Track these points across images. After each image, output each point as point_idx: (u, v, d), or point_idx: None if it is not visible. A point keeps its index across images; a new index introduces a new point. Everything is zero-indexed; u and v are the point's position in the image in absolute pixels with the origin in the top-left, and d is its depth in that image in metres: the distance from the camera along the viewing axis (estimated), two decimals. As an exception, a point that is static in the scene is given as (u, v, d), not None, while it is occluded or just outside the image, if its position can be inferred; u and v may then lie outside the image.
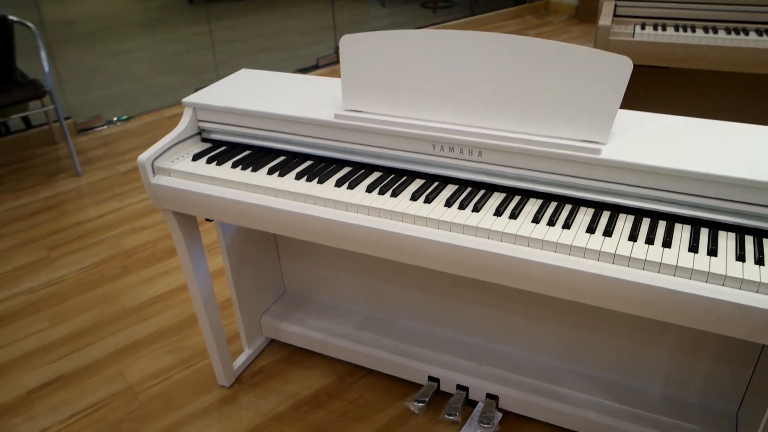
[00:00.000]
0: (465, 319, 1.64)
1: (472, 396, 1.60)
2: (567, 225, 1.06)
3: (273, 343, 1.91)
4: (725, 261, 0.96)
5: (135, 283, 2.23)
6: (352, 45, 1.25)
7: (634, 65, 2.50)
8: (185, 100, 1.43)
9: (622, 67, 1.05)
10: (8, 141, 3.38)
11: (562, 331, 1.51)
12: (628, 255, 0.98)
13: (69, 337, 1.97)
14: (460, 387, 1.61)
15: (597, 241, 1.02)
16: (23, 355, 1.90)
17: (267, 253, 1.82)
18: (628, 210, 1.10)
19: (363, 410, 1.65)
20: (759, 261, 0.95)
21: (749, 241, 1.00)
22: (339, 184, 1.23)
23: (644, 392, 1.47)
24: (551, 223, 1.07)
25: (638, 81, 2.64)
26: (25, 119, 3.44)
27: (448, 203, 1.14)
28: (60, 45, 3.49)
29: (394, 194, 1.18)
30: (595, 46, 2.31)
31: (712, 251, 0.97)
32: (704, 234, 1.03)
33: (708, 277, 0.94)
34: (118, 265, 2.34)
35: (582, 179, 1.11)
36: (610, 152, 1.08)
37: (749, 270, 0.93)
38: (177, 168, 1.34)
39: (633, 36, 2.28)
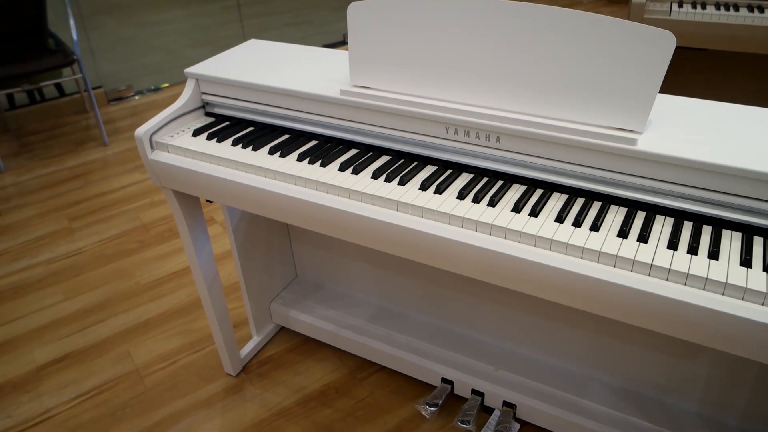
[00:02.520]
0: (485, 317, 1.52)
1: (488, 402, 1.49)
2: (596, 227, 0.92)
3: (283, 331, 1.83)
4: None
5: (151, 258, 2.20)
6: (360, 13, 1.13)
7: None
8: (187, 70, 1.35)
9: (664, 44, 0.90)
10: (42, 108, 3.40)
11: (591, 337, 1.37)
12: (668, 267, 0.84)
13: (81, 312, 1.95)
14: (475, 392, 1.50)
15: (630, 247, 0.88)
16: (37, 329, 1.90)
17: (278, 237, 1.73)
18: (667, 211, 0.95)
19: (372, 410, 1.56)
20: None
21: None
22: (343, 167, 1.12)
23: (679, 412, 1.32)
24: (577, 223, 0.93)
25: (673, 64, 2.42)
26: (59, 87, 3.45)
27: (461, 195, 1.02)
28: (95, 15, 3.47)
29: (402, 182, 1.07)
30: None
31: (745, 262, 0.83)
32: (758, 244, 0.88)
33: (765, 299, 0.79)
34: (136, 239, 2.32)
35: (614, 173, 0.97)
36: (647, 143, 0.93)
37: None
38: (175, 144, 1.26)
39: (669, 14, 2.08)
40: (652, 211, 0.96)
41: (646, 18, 2.08)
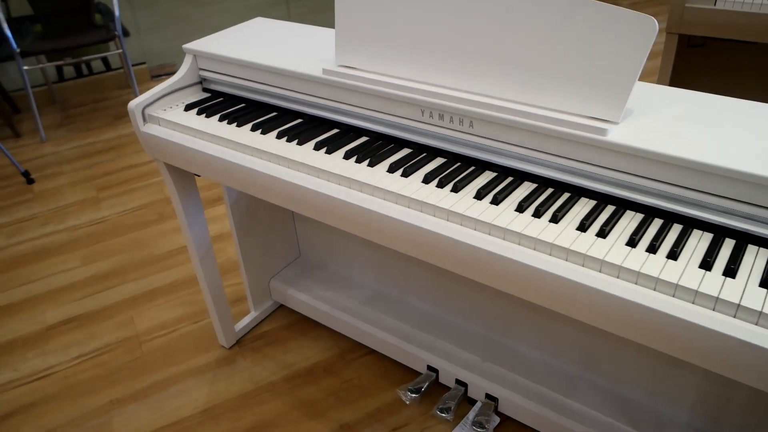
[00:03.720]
0: (477, 306, 1.50)
1: (471, 394, 1.47)
2: (555, 218, 0.89)
3: (282, 308, 1.86)
4: (744, 285, 0.75)
5: (167, 230, 2.26)
6: (347, -9, 1.12)
7: (714, 38, 2.11)
8: (185, 46, 1.37)
9: (645, 30, 0.85)
10: (89, 81, 3.54)
11: (583, 335, 1.33)
12: (619, 264, 0.80)
13: (95, 278, 2.03)
14: (459, 382, 1.48)
15: (586, 241, 0.84)
16: (52, 291, 1.99)
17: (281, 216, 1.75)
18: (638, 207, 0.91)
19: (356, 391, 1.57)
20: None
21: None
22: (318, 147, 1.12)
23: (668, 420, 1.27)
24: (537, 214, 0.90)
25: (721, 58, 2.24)
26: (106, 62, 3.58)
27: (427, 179, 1.00)
28: None
29: (371, 164, 1.05)
30: (669, 16, 1.98)
31: (729, 270, 0.77)
32: (727, 247, 0.82)
33: (716, 303, 0.75)
34: (156, 211, 2.39)
35: (585, 164, 0.93)
36: (619, 134, 0.88)
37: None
38: (166, 117, 1.29)
39: (715, 3, 1.92)
40: (622, 206, 0.92)
41: (687, 7, 1.92)
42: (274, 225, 1.74)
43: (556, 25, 0.91)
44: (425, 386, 1.51)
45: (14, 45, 2.80)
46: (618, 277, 0.80)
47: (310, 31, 1.40)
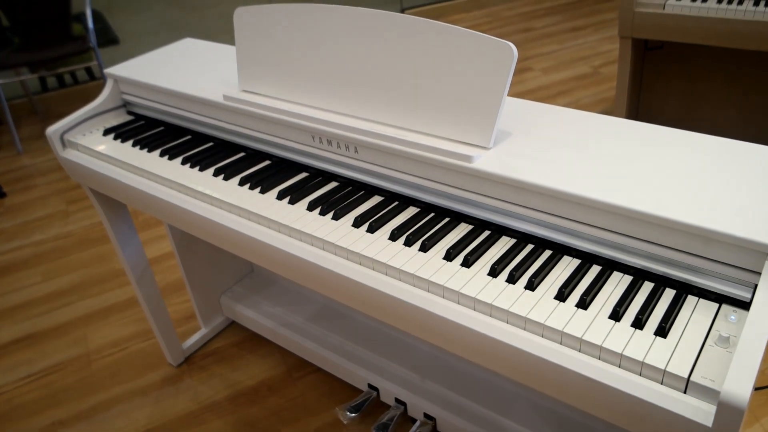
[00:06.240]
0: (409, 326, 1.53)
1: (410, 413, 1.50)
2: (425, 247, 0.91)
3: (234, 325, 1.91)
4: (594, 315, 0.77)
5: (130, 245, 2.33)
6: (245, 19, 1.16)
7: (666, 42, 2.10)
8: (107, 70, 1.42)
9: (503, 55, 0.87)
10: (71, 92, 3.65)
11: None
12: (474, 296, 0.82)
13: (54, 295, 2.12)
14: (398, 401, 1.51)
15: (448, 271, 0.87)
16: (9, 308, 2.08)
17: (224, 231, 1.80)
18: (514, 233, 0.93)
19: (298, 411, 1.61)
20: (636, 323, 0.75)
21: (644, 290, 0.81)
22: (217, 173, 1.16)
23: (596, 441, 1.28)
24: (408, 243, 0.93)
25: (683, 59, 2.22)
26: (90, 72, 3.68)
27: (311, 206, 1.03)
28: (143, 0, 3.66)
29: (263, 191, 1.09)
30: (619, 21, 1.98)
31: (581, 302, 0.79)
32: (591, 275, 0.84)
33: (543, 330, 0.77)
34: (122, 225, 2.46)
35: (460, 190, 0.95)
36: (485, 161, 0.91)
37: (620, 333, 0.74)
38: (83, 143, 1.35)
39: (664, 8, 1.92)
40: (499, 232, 0.94)
41: (637, 11, 1.94)
42: (219, 241, 1.79)
43: (423, 52, 0.94)
44: (365, 405, 1.54)
45: (-14, 58, 2.91)
46: (474, 309, 0.82)
47: (232, 53, 1.44)
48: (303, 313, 1.73)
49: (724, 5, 1.81)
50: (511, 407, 1.39)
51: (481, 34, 0.88)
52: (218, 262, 1.81)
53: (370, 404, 1.58)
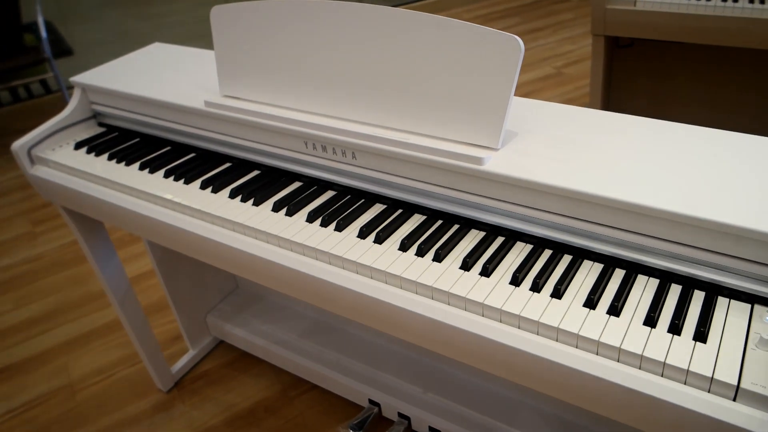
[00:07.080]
0: (411, 336, 1.48)
1: (415, 427, 1.46)
2: (438, 257, 0.86)
3: (223, 344, 1.84)
4: (628, 322, 0.73)
5: (106, 265, 2.24)
6: (223, 18, 1.09)
7: (636, 39, 2.11)
8: (73, 79, 1.35)
9: (510, 50, 0.82)
10: (28, 106, 3.52)
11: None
12: (499, 307, 0.78)
13: (28, 322, 2.02)
14: (401, 415, 1.46)
15: (467, 281, 0.82)
16: (-18, 339, 1.98)
17: (208, 246, 1.73)
18: (529, 238, 0.89)
19: (299, 431, 1.55)
20: (672, 328, 0.72)
21: (673, 293, 0.77)
22: (204, 185, 1.10)
23: (612, 446, 1.25)
24: (420, 253, 0.88)
25: (652, 57, 2.23)
26: (45, 85, 3.56)
27: (311, 218, 0.98)
28: (97, 8, 3.54)
29: (257, 203, 1.03)
30: (591, 18, 1.98)
31: (612, 309, 0.75)
32: (616, 280, 0.80)
33: (578, 341, 0.73)
34: (96, 244, 2.37)
35: (470, 195, 0.91)
36: (496, 163, 0.86)
37: (640, 337, 0.71)
38: (54, 159, 1.27)
39: (635, 5, 1.93)
40: (513, 237, 0.89)
41: (609, 8, 1.94)
42: (204, 257, 1.72)
43: (423, 48, 0.89)
44: (368, 421, 1.49)
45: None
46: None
47: (208, 57, 1.38)
48: (295, 329, 1.68)
49: (693, 1, 1.82)
50: (517, 415, 1.36)
51: (484, 27, 0.84)
52: (201, 280, 1.74)
53: (372, 420, 1.53)
